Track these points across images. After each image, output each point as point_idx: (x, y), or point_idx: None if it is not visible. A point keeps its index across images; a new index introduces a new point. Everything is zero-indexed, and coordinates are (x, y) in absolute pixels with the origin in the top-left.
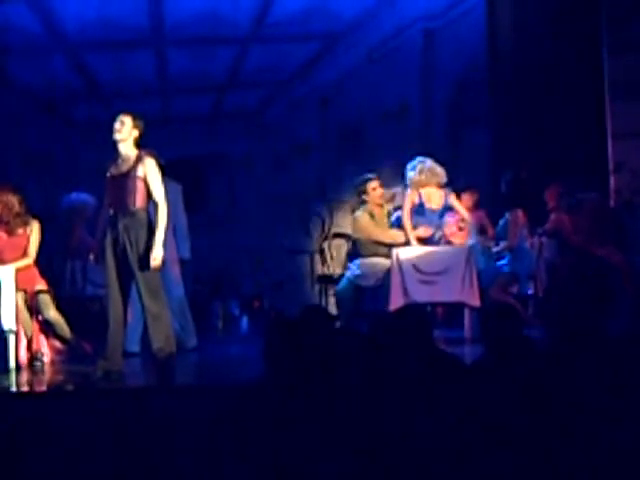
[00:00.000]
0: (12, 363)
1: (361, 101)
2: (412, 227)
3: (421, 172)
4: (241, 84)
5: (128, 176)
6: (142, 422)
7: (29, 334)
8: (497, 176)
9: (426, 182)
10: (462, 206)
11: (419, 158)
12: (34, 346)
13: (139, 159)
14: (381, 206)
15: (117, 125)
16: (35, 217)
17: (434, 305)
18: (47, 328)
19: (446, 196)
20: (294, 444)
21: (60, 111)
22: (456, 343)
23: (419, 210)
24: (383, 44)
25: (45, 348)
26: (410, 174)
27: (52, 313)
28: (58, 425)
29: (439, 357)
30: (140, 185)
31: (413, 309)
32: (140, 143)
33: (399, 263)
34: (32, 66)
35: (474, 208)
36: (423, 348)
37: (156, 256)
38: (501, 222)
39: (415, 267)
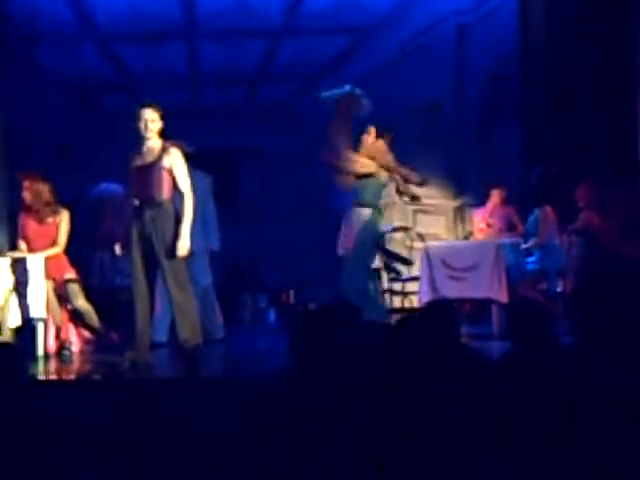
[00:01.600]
0: (41, 351)
1: (392, 96)
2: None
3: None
4: (272, 77)
5: (154, 167)
6: (168, 413)
7: (58, 323)
8: (528, 172)
9: None
10: (491, 202)
11: None
12: (63, 335)
13: (164, 150)
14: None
15: (150, 125)
16: (65, 206)
17: (462, 301)
18: (76, 317)
19: None
20: (318, 437)
21: (90, 101)
22: (483, 339)
23: None
24: (415, 38)
25: (74, 337)
26: None
27: (81, 302)
28: (85, 414)
29: (466, 353)
30: (166, 176)
31: (441, 304)
32: (168, 133)
33: (428, 258)
34: (63, 55)
35: (503, 204)
36: (450, 343)
37: (182, 246)
38: (531, 218)
39: (444, 262)
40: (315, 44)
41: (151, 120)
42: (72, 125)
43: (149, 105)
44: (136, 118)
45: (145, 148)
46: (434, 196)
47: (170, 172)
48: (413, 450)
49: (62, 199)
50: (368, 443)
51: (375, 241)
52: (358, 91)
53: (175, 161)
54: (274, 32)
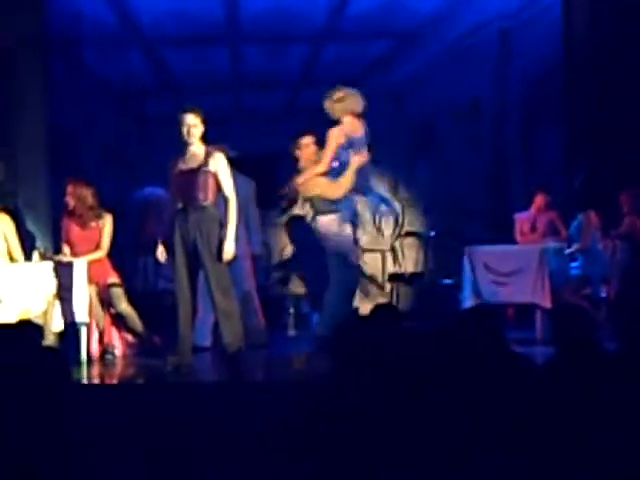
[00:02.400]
0: (84, 356)
1: (434, 99)
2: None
3: (339, 100)
4: (315, 81)
5: (199, 171)
6: (211, 417)
7: (101, 327)
8: (571, 177)
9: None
10: (535, 206)
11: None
12: (106, 339)
13: (208, 154)
14: (316, 164)
15: (192, 130)
16: (108, 211)
17: (505, 305)
18: (119, 321)
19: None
20: (362, 442)
21: (135, 104)
22: (527, 344)
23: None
24: (458, 42)
25: (117, 341)
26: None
27: (124, 306)
28: (128, 418)
29: (510, 357)
30: (211, 180)
31: (485, 308)
32: (209, 136)
33: (471, 262)
34: (108, 59)
35: (546, 208)
36: (494, 348)
37: (228, 250)
38: (574, 223)
39: (487, 267)
40: (358, 48)
41: (193, 125)
42: (117, 129)
43: (191, 110)
44: (178, 123)
45: (188, 153)
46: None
47: (215, 176)
48: (455, 455)
49: (106, 203)
50: (410, 447)
51: None
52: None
53: (220, 165)
54: (317, 36)
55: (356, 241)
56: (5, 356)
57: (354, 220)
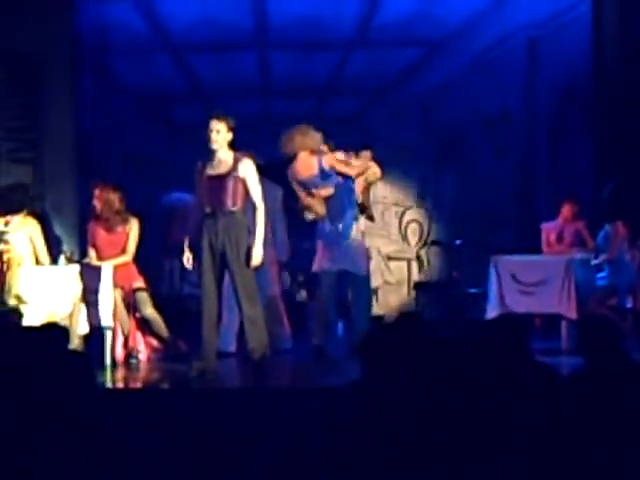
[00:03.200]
0: (108, 360)
1: (462, 108)
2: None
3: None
4: (342, 89)
5: (228, 177)
6: (235, 422)
7: (126, 331)
8: (599, 187)
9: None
10: (562, 216)
11: None
12: (130, 343)
13: (237, 160)
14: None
15: (213, 135)
16: (135, 215)
17: (531, 316)
18: (144, 326)
19: (319, 161)
20: (386, 449)
21: (162, 111)
22: (552, 354)
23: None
24: (486, 52)
25: (141, 346)
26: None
27: (149, 311)
28: (152, 423)
29: (536, 368)
30: (239, 186)
31: (511, 318)
32: (237, 143)
33: (497, 272)
34: (136, 65)
35: (574, 218)
36: (520, 357)
37: (256, 256)
38: (601, 234)
39: (514, 277)
40: (386, 56)
41: (216, 131)
42: (145, 134)
43: (215, 116)
44: (206, 129)
45: (216, 159)
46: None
47: (243, 182)
48: (479, 463)
49: (133, 207)
50: (434, 454)
51: None
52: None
53: (248, 172)
54: (345, 44)
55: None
56: (32, 358)
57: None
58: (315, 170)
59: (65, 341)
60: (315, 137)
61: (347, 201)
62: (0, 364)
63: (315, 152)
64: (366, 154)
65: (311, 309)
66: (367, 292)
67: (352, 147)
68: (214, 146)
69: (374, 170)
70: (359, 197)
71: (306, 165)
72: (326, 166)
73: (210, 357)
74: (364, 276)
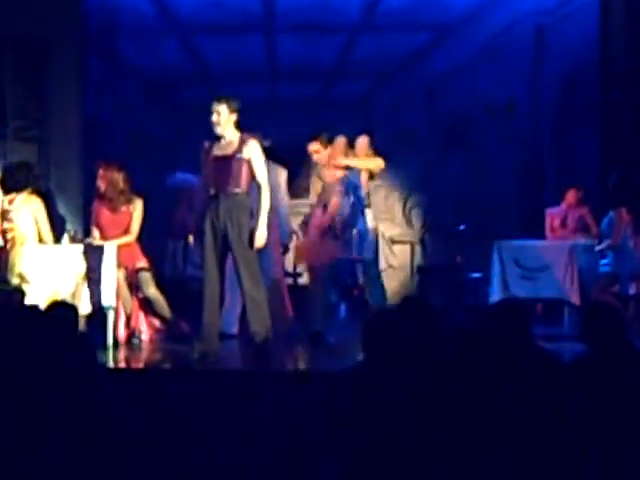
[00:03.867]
0: (110, 339)
1: (468, 94)
2: None
3: None
4: (349, 72)
5: (233, 158)
6: (237, 404)
7: (128, 311)
8: (604, 174)
9: None
10: (566, 202)
11: None
12: (133, 323)
13: (243, 142)
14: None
15: (214, 117)
16: (139, 195)
17: (534, 301)
18: (146, 306)
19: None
20: (389, 432)
21: (168, 92)
22: (555, 340)
23: None
24: (493, 38)
25: (144, 326)
26: None
27: (152, 291)
28: (153, 403)
29: (537, 353)
30: (244, 167)
31: (513, 303)
32: (244, 125)
33: (501, 257)
34: (143, 47)
35: (578, 205)
36: (522, 343)
37: (259, 238)
38: (605, 220)
39: (517, 262)
40: (392, 41)
41: (217, 112)
42: (151, 116)
43: (218, 98)
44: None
45: (223, 140)
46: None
47: (248, 164)
48: (480, 448)
49: (138, 188)
50: (438, 438)
51: None
52: None
53: (254, 153)
54: (352, 28)
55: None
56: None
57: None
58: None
59: (74, 319)
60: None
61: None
62: (6, 343)
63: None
64: (364, 140)
65: (312, 293)
66: (378, 276)
67: (355, 132)
68: (217, 129)
69: (378, 163)
70: (364, 187)
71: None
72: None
73: (211, 339)
74: (373, 261)
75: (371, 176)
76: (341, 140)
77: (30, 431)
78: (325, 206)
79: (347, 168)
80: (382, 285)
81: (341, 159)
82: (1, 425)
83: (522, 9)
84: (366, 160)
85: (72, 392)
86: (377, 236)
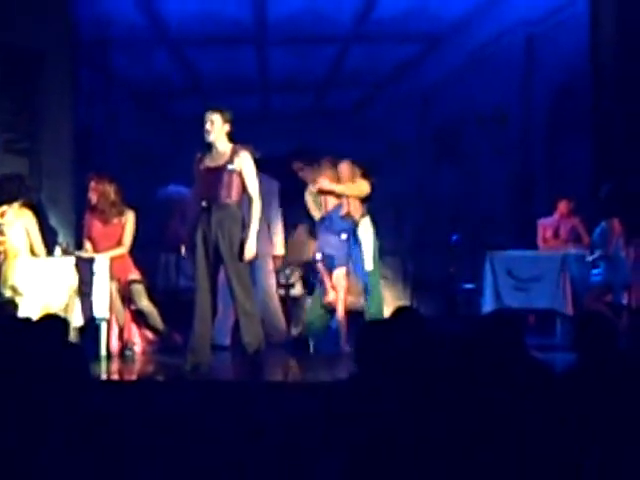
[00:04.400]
0: (103, 351)
1: (460, 104)
2: None
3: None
4: (341, 83)
5: (224, 169)
6: (230, 416)
7: (121, 323)
8: (596, 184)
9: None
10: (558, 212)
11: None
12: (126, 335)
13: (234, 153)
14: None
15: (207, 126)
16: (131, 207)
17: (526, 311)
18: (139, 318)
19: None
20: (384, 443)
21: (160, 104)
22: (547, 350)
23: None
24: (484, 48)
25: (136, 338)
26: None
27: (145, 303)
28: (146, 415)
29: (530, 363)
30: (235, 179)
31: (506, 314)
32: (235, 137)
33: (493, 267)
34: (134, 59)
35: (569, 215)
36: (514, 353)
37: (249, 250)
38: (597, 230)
39: (509, 272)
40: (384, 51)
41: (210, 121)
42: (143, 128)
43: (210, 108)
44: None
45: (214, 151)
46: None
47: (240, 175)
48: (472, 459)
49: (130, 200)
50: (432, 449)
51: None
52: None
53: (245, 165)
54: (343, 38)
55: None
56: (31, 349)
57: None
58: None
59: (66, 332)
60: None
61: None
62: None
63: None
64: (346, 166)
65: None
66: (378, 288)
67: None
68: (209, 137)
69: (362, 189)
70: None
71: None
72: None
73: (203, 350)
74: (370, 272)
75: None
76: (326, 163)
77: (21, 440)
78: None
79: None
80: (380, 295)
81: (325, 183)
82: None
83: (512, 19)
84: (350, 187)
85: (62, 404)
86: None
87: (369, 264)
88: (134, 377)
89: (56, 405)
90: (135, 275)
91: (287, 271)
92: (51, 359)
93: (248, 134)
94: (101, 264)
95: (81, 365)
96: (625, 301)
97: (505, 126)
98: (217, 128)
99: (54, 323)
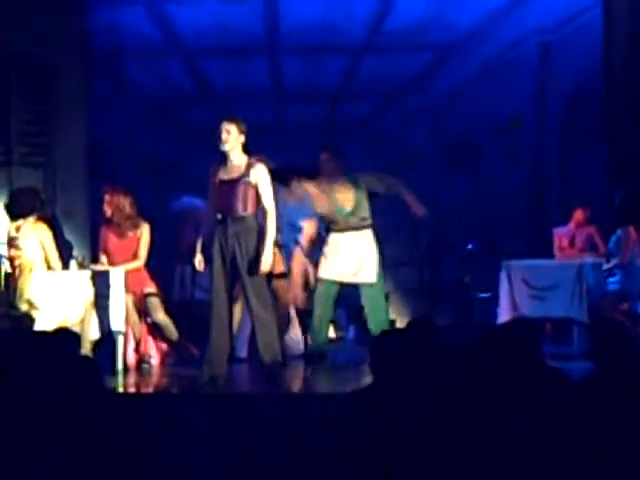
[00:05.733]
0: (120, 364)
1: (473, 113)
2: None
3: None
4: (354, 94)
5: (239, 182)
6: (246, 428)
7: (137, 336)
8: (611, 192)
9: None
10: (574, 221)
11: None
12: (142, 348)
13: (250, 165)
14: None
15: (224, 135)
16: (146, 220)
17: (543, 320)
18: (155, 331)
19: None
20: (398, 453)
21: (174, 115)
22: (564, 359)
23: None
24: (498, 57)
25: (153, 350)
26: None
27: (161, 316)
28: (163, 427)
29: (547, 372)
30: (251, 191)
31: (522, 323)
32: (249, 148)
33: (509, 276)
34: (148, 70)
35: (585, 223)
36: (531, 362)
37: (265, 262)
38: (613, 239)
39: (525, 281)
40: (397, 61)
41: (226, 131)
42: (157, 140)
43: (228, 117)
44: (217, 132)
45: (229, 163)
46: None
47: (255, 187)
48: (490, 468)
49: (145, 212)
50: (448, 459)
51: None
52: None
53: (261, 177)
54: (356, 49)
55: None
56: (43, 363)
57: None
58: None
59: (76, 346)
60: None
61: None
62: (11, 369)
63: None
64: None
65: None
66: (382, 300)
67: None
68: (224, 147)
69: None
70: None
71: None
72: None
73: (220, 362)
74: (376, 283)
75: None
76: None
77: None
78: None
79: None
80: (385, 310)
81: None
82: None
83: (526, 27)
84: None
85: (78, 419)
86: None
87: (372, 276)
88: (151, 390)
89: (69, 419)
90: (151, 288)
91: None
92: (62, 372)
93: (261, 145)
94: (117, 277)
95: (93, 379)
96: None
97: (519, 134)
98: (233, 138)
99: (65, 337)
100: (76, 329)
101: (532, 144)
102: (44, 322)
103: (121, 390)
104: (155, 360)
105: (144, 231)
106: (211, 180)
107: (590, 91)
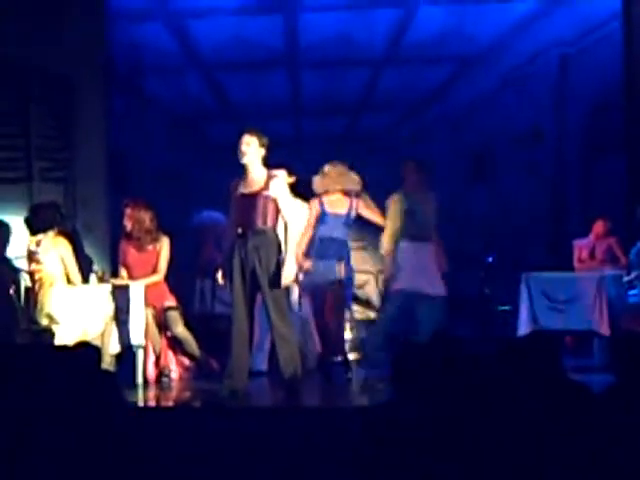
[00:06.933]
0: (140, 378)
1: (493, 125)
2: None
3: (324, 176)
4: (374, 106)
5: (259, 195)
6: (267, 441)
7: (157, 350)
8: (632, 204)
9: (329, 188)
10: (594, 233)
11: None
12: (162, 362)
13: (269, 178)
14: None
15: (243, 147)
16: (166, 233)
17: (563, 333)
18: (175, 344)
19: (352, 203)
20: (421, 469)
21: (194, 129)
22: (585, 372)
23: (323, 218)
24: (517, 68)
25: (173, 364)
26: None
27: (181, 330)
28: (183, 441)
29: (567, 385)
30: (271, 205)
31: (543, 335)
32: (269, 162)
33: (528, 288)
34: (168, 85)
35: (605, 235)
36: (552, 375)
37: (287, 275)
38: (633, 250)
39: (545, 293)
40: (417, 74)
41: (246, 143)
42: (176, 154)
43: (249, 130)
44: (237, 146)
45: (249, 176)
46: None
47: (275, 201)
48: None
49: (165, 226)
50: (470, 474)
51: None
52: None
53: (280, 190)
54: (375, 62)
55: None
56: (64, 378)
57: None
58: (344, 211)
59: (97, 360)
60: (353, 179)
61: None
62: (32, 383)
63: (348, 194)
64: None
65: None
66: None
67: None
68: (244, 159)
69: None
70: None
71: (338, 204)
72: (354, 211)
73: (241, 376)
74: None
75: None
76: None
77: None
78: None
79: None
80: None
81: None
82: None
83: (546, 39)
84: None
85: (98, 434)
86: None
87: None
88: (171, 403)
89: (89, 433)
90: (171, 302)
91: None
92: (83, 386)
93: (281, 158)
94: (137, 291)
95: (114, 393)
96: None
97: (539, 146)
98: (253, 151)
99: (85, 351)
100: (96, 343)
101: (552, 155)
102: (64, 336)
103: (141, 404)
104: (175, 374)
105: (164, 245)
106: (232, 194)
107: (610, 103)
